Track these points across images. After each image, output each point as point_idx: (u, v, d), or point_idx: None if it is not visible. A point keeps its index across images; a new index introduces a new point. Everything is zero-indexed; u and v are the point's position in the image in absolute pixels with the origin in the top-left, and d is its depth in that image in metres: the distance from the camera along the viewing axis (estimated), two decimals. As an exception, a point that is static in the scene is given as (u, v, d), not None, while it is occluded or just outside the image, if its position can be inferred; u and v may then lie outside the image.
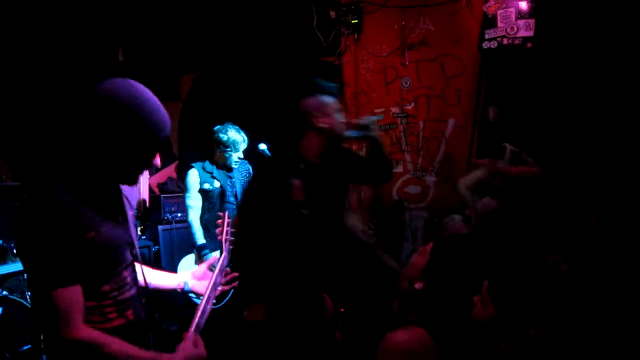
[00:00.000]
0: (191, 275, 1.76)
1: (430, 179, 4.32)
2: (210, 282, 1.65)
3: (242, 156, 3.75)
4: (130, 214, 1.57)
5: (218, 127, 3.72)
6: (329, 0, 4.49)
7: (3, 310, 3.34)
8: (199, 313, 1.53)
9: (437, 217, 3.68)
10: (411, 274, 1.63)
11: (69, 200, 1.33)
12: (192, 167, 3.74)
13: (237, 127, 3.74)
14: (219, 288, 1.70)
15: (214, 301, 1.67)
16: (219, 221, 1.87)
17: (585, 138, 3.28)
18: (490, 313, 1.19)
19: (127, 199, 1.57)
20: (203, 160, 3.80)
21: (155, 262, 4.39)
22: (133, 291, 1.49)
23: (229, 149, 3.67)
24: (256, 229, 2.33)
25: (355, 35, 4.50)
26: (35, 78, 4.57)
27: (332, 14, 4.49)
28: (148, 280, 1.64)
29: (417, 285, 1.53)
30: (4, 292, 3.47)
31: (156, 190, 5.10)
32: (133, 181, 1.48)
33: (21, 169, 4.48)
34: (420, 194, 4.36)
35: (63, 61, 4.74)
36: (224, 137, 3.65)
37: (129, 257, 1.50)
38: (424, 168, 4.35)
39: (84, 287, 1.33)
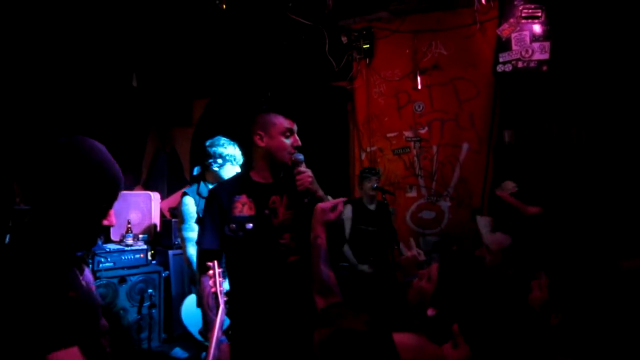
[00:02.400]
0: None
1: (445, 204, 4.25)
2: (211, 342, 1.50)
3: (239, 171, 3.36)
4: (91, 282, 1.47)
5: (209, 141, 3.41)
6: (341, 26, 4.52)
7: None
8: None
9: (454, 243, 3.60)
10: (418, 300, 1.54)
11: (42, 259, 1.23)
12: (185, 194, 3.34)
13: (230, 140, 3.43)
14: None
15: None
16: (210, 272, 1.71)
17: (603, 163, 3.22)
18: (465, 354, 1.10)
19: (86, 267, 1.47)
20: (193, 186, 3.46)
21: (166, 288, 4.32)
22: None
23: (225, 162, 3.35)
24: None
25: (367, 60, 4.52)
26: (51, 105, 4.62)
27: (344, 39, 4.51)
28: None
29: (430, 312, 1.44)
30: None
31: (167, 214, 5.07)
32: (91, 244, 1.38)
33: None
34: (435, 220, 4.29)
35: (78, 87, 4.80)
36: (217, 150, 3.34)
37: (105, 324, 1.39)
38: (438, 193, 4.28)
39: None
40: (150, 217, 4.74)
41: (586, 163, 3.27)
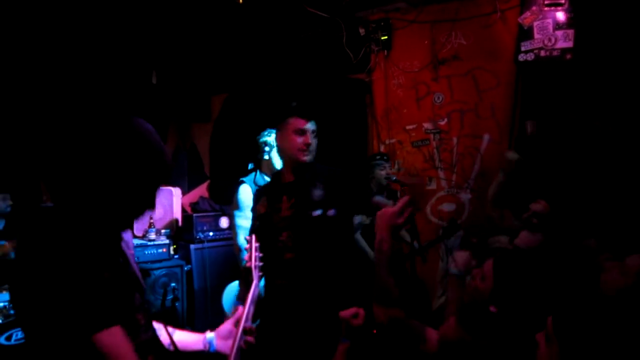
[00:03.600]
0: (216, 335, 1.63)
1: (465, 196, 4.20)
2: (241, 319, 1.55)
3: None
4: (130, 252, 1.48)
5: (258, 135, 3.49)
6: (358, 18, 4.48)
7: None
8: (235, 348, 1.47)
9: (475, 236, 3.55)
10: (477, 299, 1.51)
11: (79, 237, 1.23)
12: (242, 182, 3.37)
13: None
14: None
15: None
16: (247, 246, 1.76)
17: (630, 156, 3.14)
18: (556, 353, 1.04)
19: (125, 241, 1.48)
20: (250, 175, 3.45)
21: (188, 281, 4.38)
22: (149, 334, 1.40)
23: (270, 149, 3.38)
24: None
25: (385, 51, 4.47)
26: (72, 103, 4.69)
27: (362, 31, 4.47)
28: (175, 339, 1.55)
29: (492, 309, 1.42)
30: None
31: (188, 209, 5.12)
32: (130, 224, 1.41)
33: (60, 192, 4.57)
34: (455, 212, 4.24)
35: (99, 86, 4.87)
36: (264, 139, 3.39)
37: (139, 299, 1.41)
38: (458, 185, 4.24)
39: None
40: (172, 212, 4.80)
41: (612, 155, 3.19)
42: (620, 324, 0.98)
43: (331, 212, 2.28)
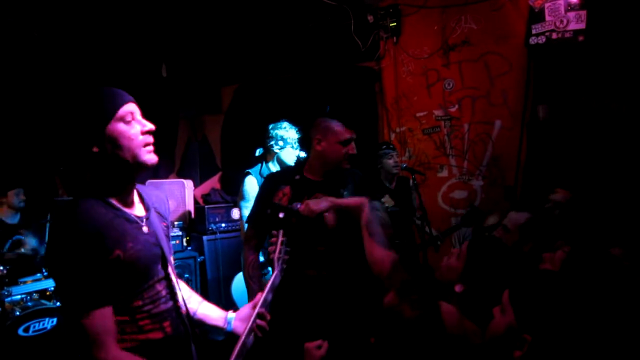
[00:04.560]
0: (236, 316, 1.70)
1: (477, 183, 4.16)
2: (258, 304, 1.61)
3: (302, 154, 3.46)
4: (162, 225, 1.54)
5: (272, 124, 3.48)
6: (367, 5, 4.43)
7: (57, 321, 3.45)
8: (246, 330, 1.51)
9: (484, 215, 3.52)
10: (447, 277, 1.61)
11: (96, 216, 1.32)
12: (248, 173, 3.45)
13: (292, 125, 3.48)
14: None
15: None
16: (273, 239, 1.82)
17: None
18: (509, 321, 1.15)
19: (156, 210, 1.55)
20: (256, 166, 3.53)
21: (201, 272, 4.43)
22: (169, 304, 1.46)
23: (285, 145, 3.41)
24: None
25: (395, 38, 4.42)
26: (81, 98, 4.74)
27: (370, 18, 4.42)
28: (195, 309, 1.63)
29: (457, 288, 1.51)
30: (58, 303, 3.59)
31: (200, 201, 5.16)
32: (134, 166, 1.39)
33: (73, 185, 4.65)
34: (467, 199, 4.20)
35: (111, 79, 4.91)
36: (279, 133, 3.40)
37: (161, 271, 1.46)
38: (470, 172, 4.19)
39: (114, 305, 1.31)
40: (185, 205, 4.84)
41: (627, 140, 3.12)
42: (564, 293, 1.11)
43: None
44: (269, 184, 2.53)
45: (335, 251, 2.33)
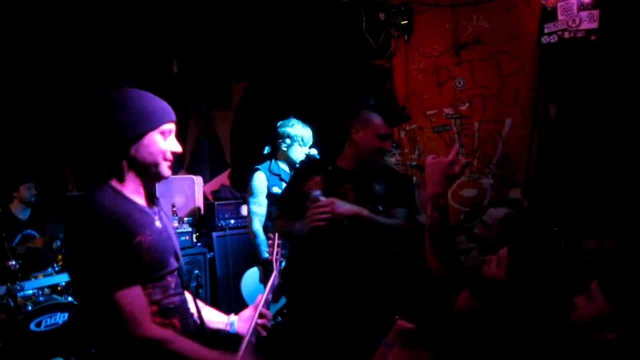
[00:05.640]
0: (238, 318, 1.75)
1: (487, 181, 4.15)
2: (259, 305, 1.67)
3: (312, 151, 3.47)
4: (171, 224, 1.61)
5: (280, 122, 3.49)
6: (378, 2, 4.43)
7: (69, 316, 3.49)
8: (250, 329, 1.56)
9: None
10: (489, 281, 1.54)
11: (115, 205, 1.38)
12: (257, 169, 3.47)
13: (299, 121, 3.49)
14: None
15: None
16: (269, 242, 1.89)
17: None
18: (600, 308, 1.19)
19: (163, 210, 1.62)
20: (266, 162, 3.56)
21: (211, 268, 4.46)
22: (177, 299, 1.50)
23: (293, 143, 3.41)
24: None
25: (406, 36, 4.41)
26: (95, 94, 4.78)
27: (382, 15, 4.42)
28: (202, 314, 1.66)
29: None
30: (70, 299, 3.63)
31: (210, 197, 5.19)
32: (154, 175, 1.50)
33: (84, 180, 4.69)
34: (477, 198, 4.20)
35: (122, 76, 4.94)
36: (286, 130, 3.41)
37: (174, 263, 1.52)
38: (480, 170, 4.18)
39: None
40: (194, 201, 4.87)
41: (637, 139, 3.10)
42: None
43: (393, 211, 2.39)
44: (299, 173, 2.57)
45: (347, 244, 2.34)
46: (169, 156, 1.50)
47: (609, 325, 1.16)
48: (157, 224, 1.49)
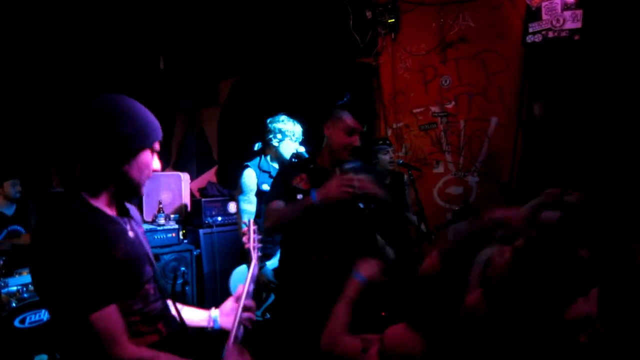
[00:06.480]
0: (220, 312, 1.69)
1: (473, 179, 4.20)
2: (242, 297, 1.62)
3: (300, 149, 3.45)
4: (140, 231, 1.56)
5: (270, 118, 3.47)
6: (365, 1, 4.45)
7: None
8: (235, 324, 1.53)
9: (476, 211, 3.57)
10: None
11: (85, 220, 1.30)
12: (247, 166, 3.44)
13: (289, 117, 3.47)
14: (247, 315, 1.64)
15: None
16: (244, 229, 1.84)
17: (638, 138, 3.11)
18: (589, 311, 1.17)
19: (134, 216, 1.57)
20: (255, 159, 3.53)
21: (197, 265, 4.45)
22: (159, 304, 1.46)
23: (284, 138, 3.39)
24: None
25: (393, 34, 4.44)
26: (80, 90, 4.73)
27: (369, 14, 4.44)
28: (183, 315, 1.61)
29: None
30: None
31: (197, 194, 5.17)
32: (137, 193, 1.46)
33: (68, 177, 4.64)
34: (462, 195, 4.24)
35: (108, 72, 4.89)
36: (277, 126, 3.39)
37: (149, 271, 1.47)
38: (466, 168, 4.23)
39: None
40: (181, 198, 4.84)
41: (620, 137, 3.16)
42: None
43: (372, 207, 2.43)
44: (286, 170, 2.62)
45: (338, 236, 2.37)
46: (151, 173, 1.45)
47: (588, 329, 1.15)
48: (130, 234, 1.44)
